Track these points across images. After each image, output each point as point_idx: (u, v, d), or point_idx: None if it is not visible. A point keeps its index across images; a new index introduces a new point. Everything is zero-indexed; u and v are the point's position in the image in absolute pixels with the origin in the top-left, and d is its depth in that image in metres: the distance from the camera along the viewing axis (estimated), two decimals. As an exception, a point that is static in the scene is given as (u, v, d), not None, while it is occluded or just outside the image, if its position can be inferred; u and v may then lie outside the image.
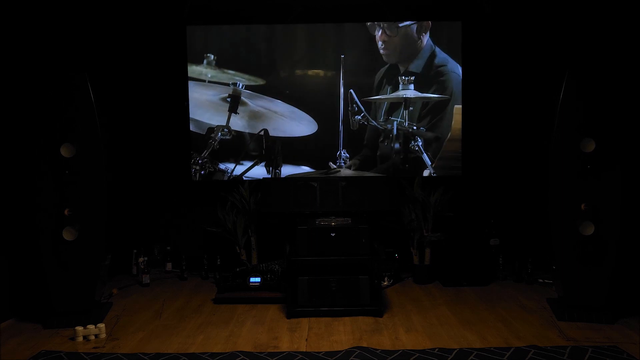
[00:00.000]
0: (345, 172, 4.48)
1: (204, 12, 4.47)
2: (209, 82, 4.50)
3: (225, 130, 4.50)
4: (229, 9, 4.48)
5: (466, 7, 4.45)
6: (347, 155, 4.50)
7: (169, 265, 4.63)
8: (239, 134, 4.51)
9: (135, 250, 4.57)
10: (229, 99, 4.50)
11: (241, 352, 2.86)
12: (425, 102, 4.46)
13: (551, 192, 3.32)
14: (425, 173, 4.49)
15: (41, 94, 3.26)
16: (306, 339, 3.07)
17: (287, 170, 4.51)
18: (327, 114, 4.49)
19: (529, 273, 4.17)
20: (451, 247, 4.26)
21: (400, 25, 4.40)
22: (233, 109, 4.50)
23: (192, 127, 4.49)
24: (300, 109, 4.50)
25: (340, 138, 4.49)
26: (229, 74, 4.50)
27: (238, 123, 4.51)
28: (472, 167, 4.52)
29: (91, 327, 3.11)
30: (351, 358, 2.75)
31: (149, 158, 4.68)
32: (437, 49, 4.43)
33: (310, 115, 4.50)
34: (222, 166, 4.52)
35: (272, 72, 4.49)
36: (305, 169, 4.52)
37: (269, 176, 4.48)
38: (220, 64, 4.49)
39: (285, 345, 2.98)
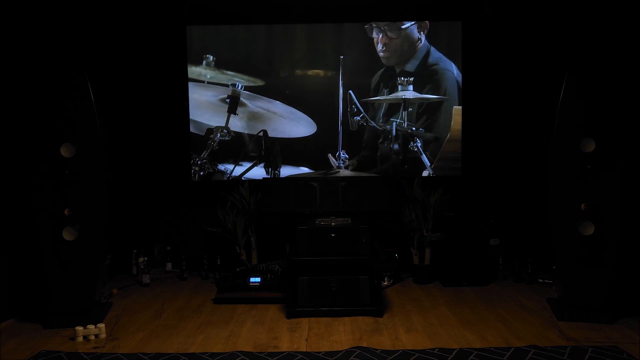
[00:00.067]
0: (345, 172, 4.48)
1: (204, 12, 4.47)
2: (208, 83, 4.50)
3: (225, 131, 4.50)
4: (228, 9, 4.48)
5: (466, 7, 4.45)
6: (346, 155, 4.50)
7: (169, 265, 4.63)
8: (238, 135, 4.51)
9: (135, 250, 4.57)
10: (228, 100, 4.50)
11: (241, 352, 2.86)
12: (421, 101, 4.47)
13: (551, 192, 3.32)
14: (425, 174, 4.49)
15: (41, 94, 3.26)
16: (306, 339, 3.07)
17: (286, 171, 4.51)
18: (326, 114, 4.49)
19: (529, 273, 4.17)
20: (451, 247, 4.26)
21: (403, 27, 4.41)
22: (232, 110, 4.50)
23: (191, 128, 4.48)
24: (299, 110, 4.50)
25: (340, 139, 4.49)
26: (228, 74, 4.49)
27: (237, 124, 4.51)
28: (472, 167, 4.53)
29: (91, 327, 3.11)
30: (351, 358, 2.75)
31: (148, 158, 4.68)
32: (432, 48, 4.43)
33: (309, 116, 4.50)
34: (221, 167, 4.51)
35: (272, 73, 4.49)
36: (304, 169, 4.52)
37: (269, 177, 4.48)
38: (219, 65, 4.49)
39: (285, 345, 2.97)
